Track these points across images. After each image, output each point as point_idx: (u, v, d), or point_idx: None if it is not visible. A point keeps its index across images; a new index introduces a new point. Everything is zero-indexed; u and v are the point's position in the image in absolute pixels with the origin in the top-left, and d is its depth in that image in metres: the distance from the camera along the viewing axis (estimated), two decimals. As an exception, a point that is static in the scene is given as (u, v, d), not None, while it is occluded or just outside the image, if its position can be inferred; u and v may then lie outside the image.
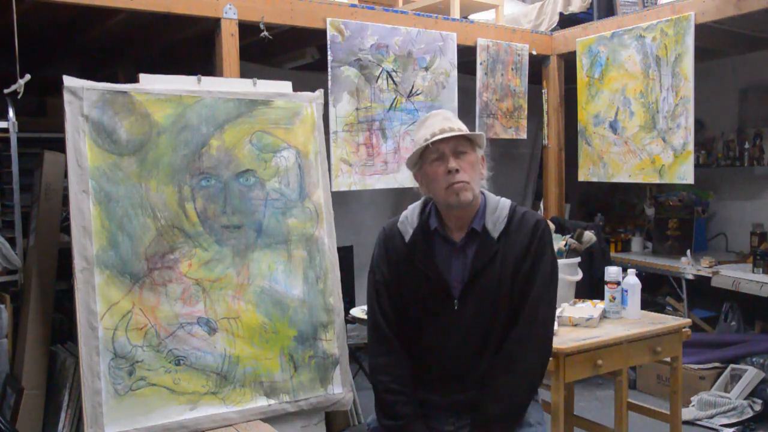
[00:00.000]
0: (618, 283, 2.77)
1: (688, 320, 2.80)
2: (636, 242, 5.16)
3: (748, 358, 3.91)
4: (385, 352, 2.07)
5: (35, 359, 2.88)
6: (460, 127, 2.00)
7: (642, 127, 3.97)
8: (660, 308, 4.46)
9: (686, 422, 3.59)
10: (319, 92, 3.03)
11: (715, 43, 4.19)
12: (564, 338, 2.44)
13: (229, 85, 2.86)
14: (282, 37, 3.51)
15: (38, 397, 2.87)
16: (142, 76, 2.66)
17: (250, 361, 2.65)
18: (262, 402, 2.65)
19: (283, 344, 2.72)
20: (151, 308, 2.50)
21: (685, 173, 3.76)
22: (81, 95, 2.48)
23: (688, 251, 4.37)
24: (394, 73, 3.71)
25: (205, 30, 3.28)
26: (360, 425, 3.22)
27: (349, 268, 4.04)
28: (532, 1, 5.08)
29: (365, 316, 2.42)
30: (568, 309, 2.75)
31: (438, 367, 2.05)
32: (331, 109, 3.48)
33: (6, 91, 2.67)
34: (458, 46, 3.94)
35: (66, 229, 3.00)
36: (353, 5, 3.64)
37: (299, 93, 2.97)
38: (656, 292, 4.68)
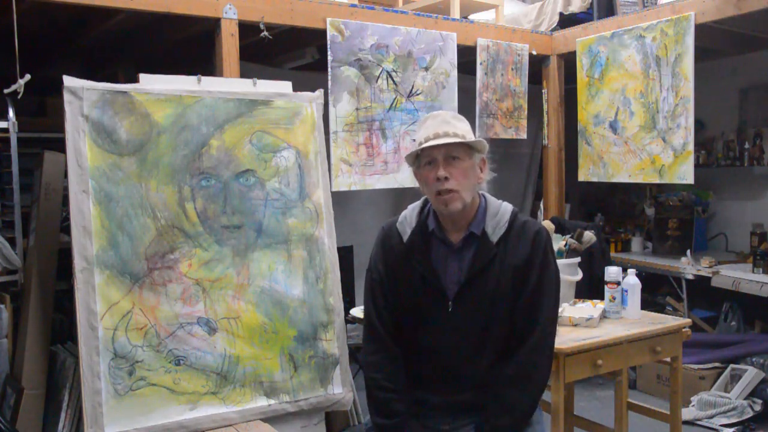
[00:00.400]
0: (618, 283, 2.77)
1: (688, 320, 2.80)
2: (636, 242, 5.16)
3: (748, 358, 3.91)
4: (378, 350, 2.07)
5: (35, 359, 2.88)
6: (456, 132, 1.96)
7: (642, 127, 3.96)
8: (660, 308, 4.46)
9: (686, 422, 3.59)
10: (319, 92, 3.03)
11: (715, 43, 4.19)
12: (564, 338, 2.44)
13: (229, 85, 2.86)
14: (282, 37, 3.51)
15: (38, 397, 2.87)
16: (142, 76, 2.66)
17: (250, 361, 2.65)
18: (262, 402, 2.65)
19: (283, 344, 2.72)
20: (151, 308, 2.50)
21: (685, 173, 3.76)
22: (81, 95, 2.48)
23: (688, 251, 4.37)
24: (394, 73, 3.71)
25: (205, 30, 3.28)
26: (360, 425, 3.22)
27: (349, 268, 4.04)
28: (532, 1, 5.08)
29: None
30: (568, 309, 2.75)
31: (434, 367, 2.05)
32: (331, 109, 3.48)
33: (6, 91, 2.67)
34: (458, 46, 3.94)
35: (66, 229, 3.00)
36: (353, 5, 3.64)
37: (299, 93, 2.97)
38: (656, 292, 4.68)
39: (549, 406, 2.42)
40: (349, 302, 3.48)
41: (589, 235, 3.13)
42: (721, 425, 3.62)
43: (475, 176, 2.01)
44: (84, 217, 2.43)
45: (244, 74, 3.13)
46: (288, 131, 2.89)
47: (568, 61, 4.52)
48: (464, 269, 2.00)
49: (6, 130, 3.38)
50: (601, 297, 2.84)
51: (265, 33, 3.25)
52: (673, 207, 4.91)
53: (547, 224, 3.17)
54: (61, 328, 3.34)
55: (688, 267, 4.26)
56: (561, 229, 3.53)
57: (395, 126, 3.73)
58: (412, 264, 2.04)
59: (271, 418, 2.64)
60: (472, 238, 2.02)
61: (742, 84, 4.79)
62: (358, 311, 3.29)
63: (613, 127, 4.15)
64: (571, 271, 3.00)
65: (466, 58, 4.07)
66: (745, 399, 3.71)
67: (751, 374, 3.77)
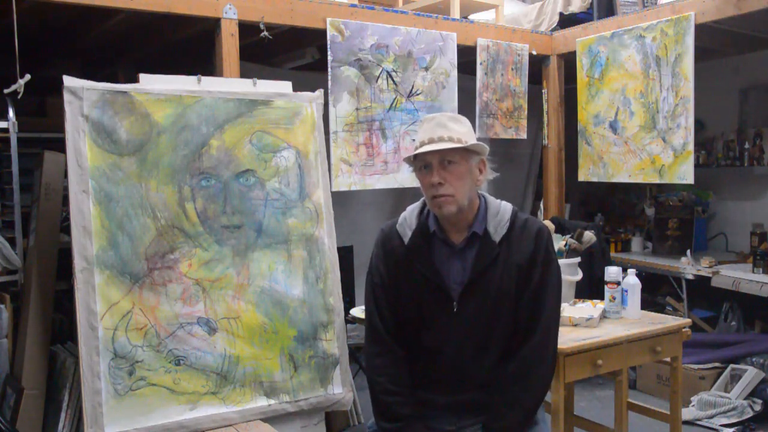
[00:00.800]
0: (618, 283, 2.77)
1: (688, 320, 2.80)
2: (636, 242, 5.16)
3: (748, 358, 3.91)
4: (381, 352, 2.07)
5: (35, 359, 2.88)
6: (451, 136, 1.94)
7: (642, 127, 3.97)
8: (660, 308, 4.46)
9: (686, 422, 3.59)
10: (319, 92, 3.03)
11: (715, 43, 4.19)
12: (564, 338, 2.44)
13: (229, 85, 2.86)
14: (282, 37, 3.51)
15: (38, 397, 2.86)
16: (142, 76, 2.66)
17: (250, 361, 2.65)
18: (262, 402, 2.64)
19: (283, 344, 2.72)
20: (151, 308, 2.50)
21: (685, 173, 3.77)
22: (81, 95, 2.48)
23: (688, 251, 4.37)
24: (394, 73, 3.71)
25: (205, 30, 3.28)
26: (360, 425, 3.22)
27: (349, 268, 4.04)
28: (532, 1, 5.08)
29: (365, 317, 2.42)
30: (568, 309, 2.75)
31: (438, 368, 2.05)
32: (331, 109, 3.48)
33: (6, 91, 2.67)
34: (458, 46, 3.94)
35: (66, 229, 3.00)
36: (353, 5, 3.64)
37: (299, 93, 2.97)
38: (656, 292, 4.68)
39: (549, 406, 2.42)
40: (349, 302, 3.48)
41: (589, 235, 3.14)
42: (721, 425, 3.62)
43: (472, 179, 2.00)
44: (84, 217, 2.43)
45: (244, 74, 3.13)
46: (288, 131, 2.89)
47: (568, 61, 4.53)
48: (468, 269, 2.01)
49: (6, 130, 3.38)
50: (601, 297, 2.84)
51: (265, 33, 3.25)
52: (673, 207, 4.91)
53: (547, 224, 3.17)
54: (61, 328, 3.34)
55: (688, 267, 4.26)
56: (561, 229, 3.53)
57: (395, 126, 3.73)
58: (414, 265, 2.04)
59: (271, 418, 2.64)
60: (475, 239, 2.02)
61: (742, 84, 4.80)
62: (358, 311, 3.29)
63: (613, 127, 4.15)
64: (571, 271, 3.00)
65: (466, 58, 4.07)
66: (745, 399, 3.71)
67: (751, 374, 3.77)
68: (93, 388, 2.34)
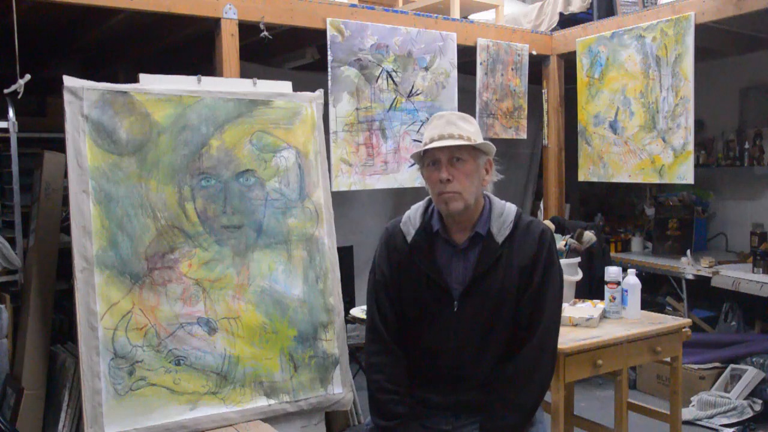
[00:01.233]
0: (618, 283, 2.77)
1: (688, 320, 2.80)
2: (636, 242, 5.16)
3: (748, 358, 3.91)
4: (381, 351, 2.07)
5: (35, 359, 2.88)
6: (461, 133, 1.96)
7: (642, 127, 3.97)
8: (660, 308, 4.46)
9: (686, 422, 3.59)
10: (319, 92, 3.03)
11: (715, 43, 4.19)
12: (564, 338, 2.43)
13: (229, 85, 2.86)
14: (282, 37, 3.51)
15: (38, 397, 2.86)
16: (142, 76, 2.66)
17: (250, 361, 2.65)
18: (262, 402, 2.65)
19: (283, 344, 2.72)
20: (151, 308, 2.50)
21: (685, 173, 3.76)
22: (81, 95, 2.48)
23: (688, 251, 4.37)
24: (394, 73, 3.71)
25: (205, 30, 3.28)
26: (360, 425, 3.22)
27: (349, 268, 4.05)
28: (532, 1, 5.08)
29: (365, 316, 2.42)
30: (568, 309, 2.75)
31: (437, 367, 2.05)
32: (331, 109, 3.48)
33: (6, 91, 2.67)
34: (458, 46, 3.94)
35: (66, 229, 3.00)
36: (353, 5, 3.64)
37: (299, 93, 2.97)
38: (656, 292, 4.68)
39: (549, 406, 2.42)
40: (349, 302, 3.48)
41: (589, 235, 3.14)
42: (721, 425, 3.62)
43: (479, 178, 2.00)
44: (84, 217, 2.43)
45: (244, 74, 3.13)
46: (288, 131, 2.89)
47: (568, 61, 4.52)
48: (470, 269, 2.01)
49: (6, 130, 3.39)
50: (601, 297, 2.84)
51: (265, 33, 3.25)
52: (673, 207, 4.91)
53: (548, 224, 3.17)
54: (61, 328, 3.35)
55: (688, 267, 4.26)
56: (561, 229, 3.53)
57: (395, 126, 3.73)
58: (416, 264, 2.04)
59: (271, 418, 2.64)
60: (478, 239, 2.02)
61: (742, 84, 4.79)
62: (358, 311, 3.30)
63: (613, 127, 4.15)
64: (571, 271, 3.00)
65: (466, 58, 4.07)
66: (745, 399, 3.71)
67: (751, 374, 3.77)
68: (93, 388, 2.34)
